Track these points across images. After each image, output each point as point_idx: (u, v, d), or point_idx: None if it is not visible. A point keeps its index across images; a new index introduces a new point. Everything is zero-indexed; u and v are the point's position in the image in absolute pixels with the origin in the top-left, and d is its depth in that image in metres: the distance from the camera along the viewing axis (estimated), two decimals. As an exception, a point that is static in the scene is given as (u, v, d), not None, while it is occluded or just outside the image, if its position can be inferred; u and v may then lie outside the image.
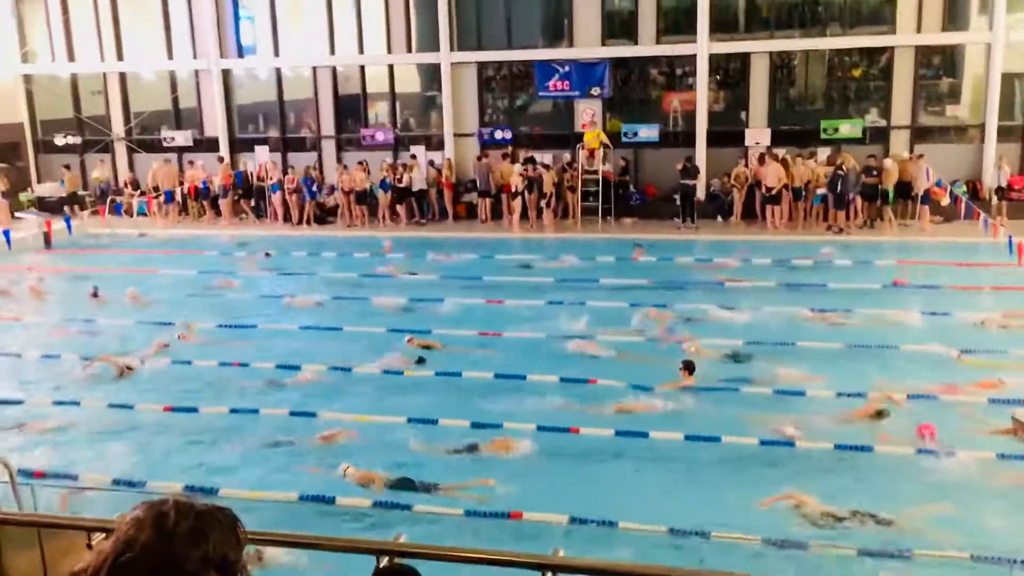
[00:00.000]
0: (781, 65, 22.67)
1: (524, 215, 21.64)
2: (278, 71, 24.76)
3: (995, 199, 20.29)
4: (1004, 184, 20.43)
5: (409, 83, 25.05)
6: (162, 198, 23.61)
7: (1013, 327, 13.04)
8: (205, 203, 23.98)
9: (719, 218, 21.81)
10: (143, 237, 22.05)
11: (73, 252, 20.56)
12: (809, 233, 20.02)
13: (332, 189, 23.38)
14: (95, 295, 15.93)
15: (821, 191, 20.47)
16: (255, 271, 18.24)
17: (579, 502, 8.06)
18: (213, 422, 10.39)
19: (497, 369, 11.62)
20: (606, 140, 21.71)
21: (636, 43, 22.63)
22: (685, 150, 21.97)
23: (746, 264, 17.24)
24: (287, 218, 23.00)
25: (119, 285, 16.52)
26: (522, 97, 24.06)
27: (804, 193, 20.67)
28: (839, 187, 19.89)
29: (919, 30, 21.14)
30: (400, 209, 22.50)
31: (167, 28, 25.08)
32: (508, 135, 23.24)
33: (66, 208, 23.50)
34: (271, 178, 23.04)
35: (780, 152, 21.29)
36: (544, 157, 22.62)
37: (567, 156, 22.69)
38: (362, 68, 24.37)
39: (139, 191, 24.32)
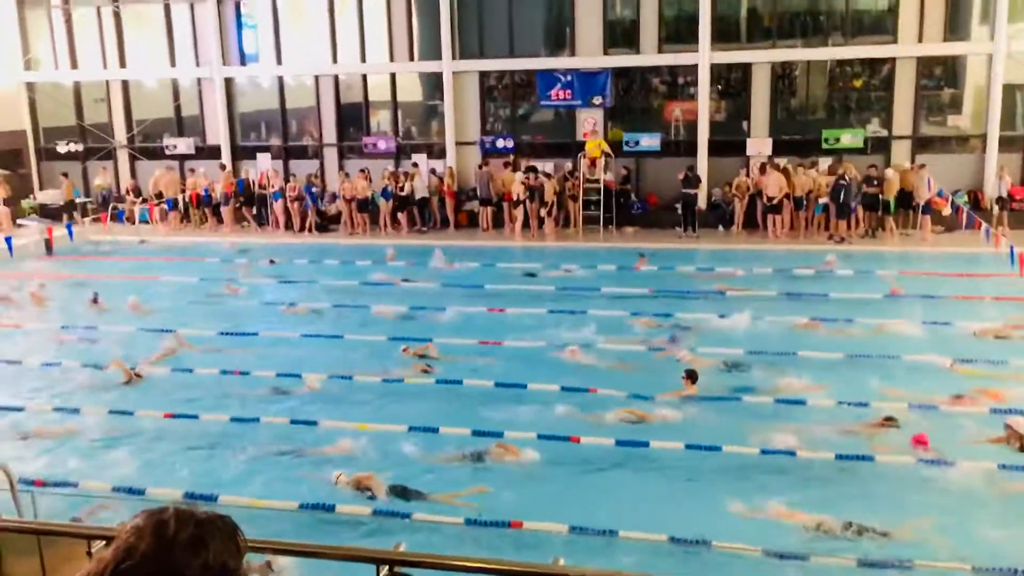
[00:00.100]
0: (783, 75, 22.71)
1: (526, 224, 21.66)
2: (280, 79, 24.80)
3: (996, 209, 20.30)
4: (1005, 194, 20.44)
5: (411, 91, 25.10)
6: (163, 205, 23.67)
7: (1012, 337, 13.04)
8: (207, 210, 24.01)
9: (720, 227, 21.81)
10: (144, 244, 22.08)
11: (75, 259, 20.57)
12: (810, 242, 20.02)
13: (334, 197, 23.40)
14: (95, 301, 15.95)
15: (823, 201, 20.49)
16: (257, 278, 18.24)
17: (579, 511, 8.05)
18: (214, 430, 10.38)
19: (498, 378, 11.62)
20: (608, 149, 21.74)
21: (638, 52, 22.67)
22: (686, 159, 21.98)
23: (747, 273, 17.22)
24: (288, 226, 23.02)
25: (120, 292, 16.53)
26: (524, 106, 24.10)
27: (805, 203, 20.68)
28: (842, 197, 19.90)
29: (920, 40, 21.18)
30: (401, 217, 22.52)
31: (170, 36, 25.14)
32: (510, 144, 23.28)
33: (64, 216, 23.55)
34: (273, 186, 23.07)
35: (781, 162, 21.32)
36: (545, 166, 22.65)
37: (568, 165, 22.73)
38: (364, 76, 24.42)
39: (141, 198, 24.36)
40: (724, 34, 22.37)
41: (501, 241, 21.31)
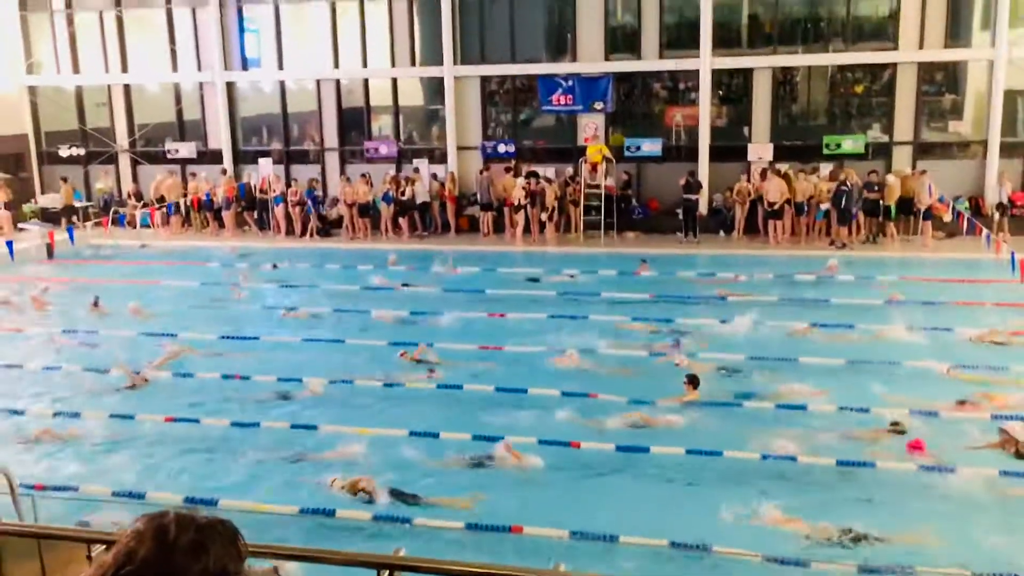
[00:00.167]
0: (784, 81, 22.73)
1: (527, 229, 21.67)
2: (282, 84, 24.84)
3: (997, 215, 20.29)
4: (1006, 200, 20.43)
5: (413, 96, 25.13)
6: (165, 210, 23.71)
7: (1011, 343, 13.03)
8: (208, 215, 24.03)
9: (721, 233, 21.82)
10: (144, 248, 22.07)
11: (76, 263, 20.58)
12: (811, 248, 20.02)
13: (335, 201, 23.42)
14: (96, 305, 15.96)
15: (824, 206, 20.50)
16: (259, 283, 18.24)
17: (580, 516, 8.04)
18: (214, 434, 10.39)
19: (498, 382, 11.61)
20: (609, 154, 21.75)
21: (639, 58, 22.70)
22: (688, 165, 21.99)
23: (748, 279, 17.22)
24: (290, 230, 23.04)
25: (121, 296, 16.54)
26: (525, 111, 24.12)
27: (806, 208, 20.69)
28: (843, 202, 19.90)
29: (921, 46, 21.21)
30: (402, 222, 22.53)
31: (172, 40, 25.19)
32: (511, 149, 23.29)
33: (63, 220, 23.58)
34: (274, 190, 23.09)
35: (783, 167, 21.33)
36: (547, 171, 22.68)
37: (569, 170, 22.74)
38: (366, 81, 24.45)
39: (142, 202, 24.38)
40: (725, 40, 22.40)
41: (502, 246, 21.31)
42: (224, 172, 24.21)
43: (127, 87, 25.75)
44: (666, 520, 8.04)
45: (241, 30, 24.84)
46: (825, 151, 21.76)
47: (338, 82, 24.48)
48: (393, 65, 24.01)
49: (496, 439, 9.60)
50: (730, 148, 22.38)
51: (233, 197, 23.39)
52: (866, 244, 20.35)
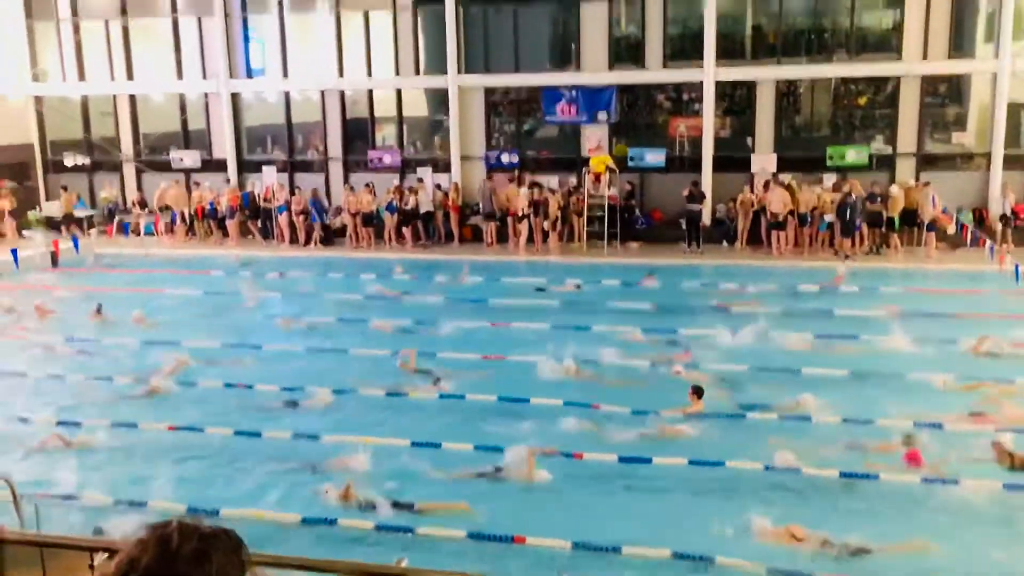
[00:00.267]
0: (787, 92, 22.75)
1: (530, 239, 21.68)
2: (287, 94, 24.91)
3: (1000, 227, 20.28)
4: (1009, 212, 20.42)
5: (417, 106, 25.19)
6: (168, 219, 23.76)
7: (1002, 352, 13.02)
8: (212, 224, 24.07)
9: (724, 243, 21.81)
10: (149, 257, 22.11)
11: (80, 271, 20.62)
12: (815, 259, 20.02)
13: (339, 211, 23.46)
14: (99, 312, 15.99)
15: (828, 217, 20.50)
16: (263, 292, 18.26)
17: (583, 526, 8.02)
18: (216, 443, 10.39)
19: (501, 392, 11.60)
20: (612, 165, 21.76)
21: (643, 69, 22.74)
22: (691, 175, 22.00)
23: (751, 289, 17.20)
24: (294, 239, 23.07)
25: (125, 304, 16.57)
26: (529, 121, 24.17)
27: (810, 219, 20.69)
28: (848, 214, 19.90)
29: (925, 58, 21.23)
30: (406, 231, 22.55)
31: (177, 50, 25.27)
32: (515, 159, 23.31)
33: (63, 228, 23.64)
34: (278, 199, 23.13)
35: (786, 178, 21.34)
36: (550, 181, 22.70)
37: (573, 180, 22.76)
38: (370, 91, 24.52)
39: (147, 211, 24.43)
40: (729, 51, 22.44)
41: (505, 256, 21.32)
42: (228, 181, 24.27)
43: (132, 96, 25.82)
44: (669, 531, 8.01)
45: (246, 40, 24.93)
46: (828, 162, 21.77)
47: (342, 92, 24.54)
48: (397, 75, 24.07)
49: (497, 449, 9.59)
50: (733, 159, 22.39)
51: (237, 206, 23.43)
52: (869, 255, 20.33)
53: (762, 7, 22.63)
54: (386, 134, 24.96)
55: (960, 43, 21.46)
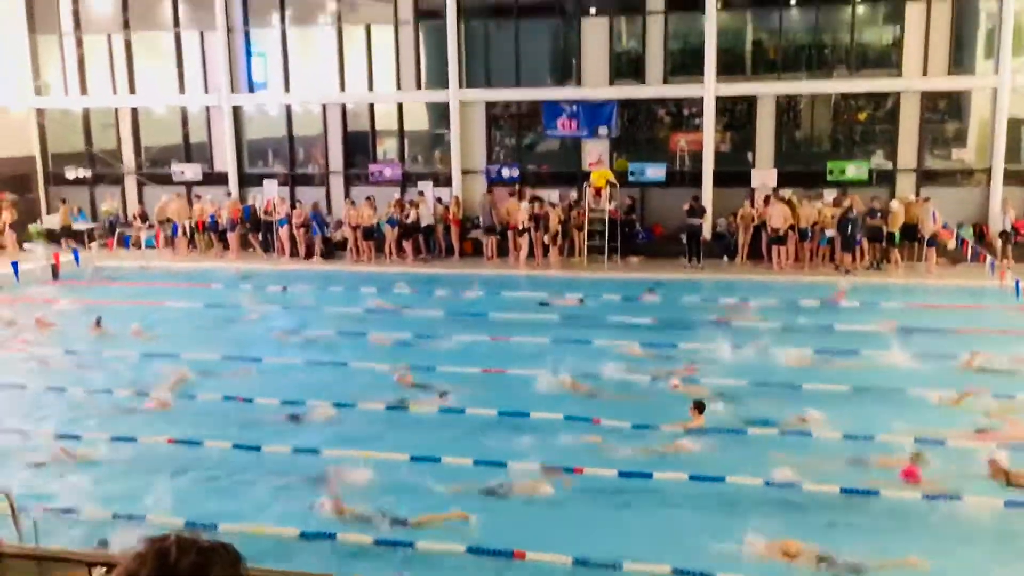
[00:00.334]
0: (787, 107, 22.81)
1: (530, 253, 21.69)
2: (288, 107, 24.98)
3: (1001, 242, 20.29)
4: (1010, 228, 20.44)
5: (418, 120, 25.26)
6: (169, 231, 23.80)
7: (1007, 369, 13.00)
8: (213, 236, 24.10)
9: (725, 258, 21.82)
10: (148, 270, 22.11)
11: (81, 284, 20.62)
12: (815, 274, 20.03)
13: (339, 224, 23.49)
14: (98, 325, 15.99)
15: (830, 232, 20.52)
16: (264, 305, 18.26)
17: (583, 541, 8.00)
18: (216, 457, 10.37)
19: (501, 406, 11.59)
20: (613, 179, 21.79)
21: (644, 84, 22.81)
22: (691, 190, 22.03)
23: (752, 304, 17.19)
24: (294, 252, 23.09)
25: (125, 317, 16.58)
26: (530, 136, 24.23)
27: (810, 234, 20.70)
28: (848, 229, 19.92)
29: (925, 74, 21.29)
30: (406, 245, 22.57)
31: (179, 63, 25.36)
32: (515, 173, 23.35)
33: (62, 241, 23.67)
34: (278, 212, 23.16)
35: (786, 193, 21.38)
36: (551, 195, 22.73)
37: (573, 194, 22.79)
38: (371, 105, 24.59)
39: (148, 224, 24.46)
40: (729, 66, 22.51)
41: (505, 270, 21.33)
42: (229, 194, 24.31)
43: (134, 109, 25.89)
44: (669, 546, 7.99)
45: (248, 54, 25.02)
46: (829, 177, 21.80)
47: (344, 106, 24.61)
48: (399, 89, 24.14)
49: (499, 464, 9.57)
50: (734, 174, 22.43)
51: (238, 219, 23.47)
52: (870, 270, 20.34)
53: (762, 23, 22.74)
54: (387, 148, 25.01)
55: (960, 59, 21.54)
